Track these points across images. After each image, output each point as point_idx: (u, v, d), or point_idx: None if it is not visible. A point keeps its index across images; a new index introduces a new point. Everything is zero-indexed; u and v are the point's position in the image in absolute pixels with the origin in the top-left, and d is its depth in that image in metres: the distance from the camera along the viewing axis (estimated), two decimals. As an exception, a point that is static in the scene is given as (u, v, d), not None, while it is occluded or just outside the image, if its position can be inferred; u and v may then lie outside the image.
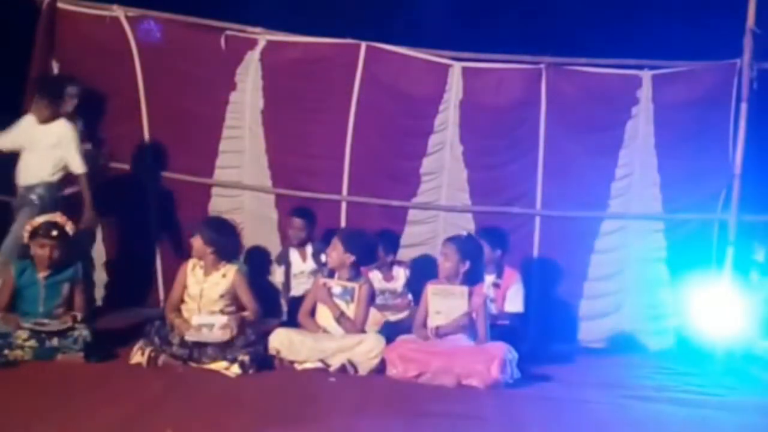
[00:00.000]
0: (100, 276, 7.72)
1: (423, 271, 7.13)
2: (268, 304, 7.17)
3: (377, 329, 6.47)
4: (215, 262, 6.15)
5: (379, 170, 7.67)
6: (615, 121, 7.49)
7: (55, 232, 6.03)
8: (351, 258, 6.24)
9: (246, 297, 6.14)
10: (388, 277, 7.19)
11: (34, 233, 6.04)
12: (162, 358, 5.76)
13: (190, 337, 5.84)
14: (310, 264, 7.26)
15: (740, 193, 6.90)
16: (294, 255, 7.32)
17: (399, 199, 7.66)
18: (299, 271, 7.28)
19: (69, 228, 6.13)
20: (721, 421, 5.30)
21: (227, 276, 6.14)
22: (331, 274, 6.40)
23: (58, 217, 6.16)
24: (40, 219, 6.14)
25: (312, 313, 6.28)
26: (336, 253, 6.25)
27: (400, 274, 7.23)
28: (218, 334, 5.86)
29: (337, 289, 6.26)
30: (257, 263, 7.58)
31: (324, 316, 6.24)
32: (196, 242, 6.17)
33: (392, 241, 7.31)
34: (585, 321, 7.58)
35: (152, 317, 6.36)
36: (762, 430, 5.27)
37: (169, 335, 5.86)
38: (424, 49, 7.57)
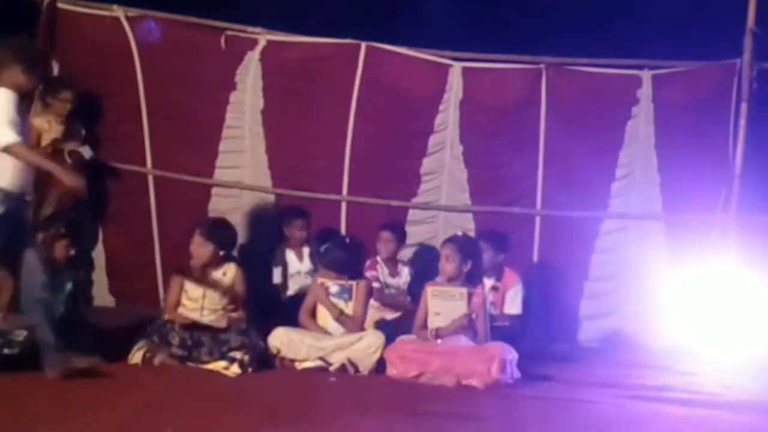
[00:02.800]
0: (100, 276, 7.73)
1: (423, 269, 7.19)
2: (266, 304, 7.19)
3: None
4: (217, 262, 6.15)
5: (379, 170, 7.67)
6: (615, 121, 7.50)
7: (75, 231, 6.08)
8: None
9: (240, 293, 6.14)
10: (394, 273, 7.19)
11: (61, 235, 6.03)
12: (158, 358, 5.75)
13: (184, 319, 5.87)
14: (307, 264, 7.26)
15: (740, 193, 6.90)
16: (290, 255, 7.32)
17: (399, 199, 7.67)
18: (296, 271, 7.28)
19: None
20: (721, 421, 5.30)
21: (228, 274, 6.15)
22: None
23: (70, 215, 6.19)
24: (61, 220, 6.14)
25: (312, 313, 6.29)
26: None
27: (404, 272, 7.23)
28: (212, 320, 5.93)
29: (334, 288, 6.26)
30: (257, 263, 7.60)
31: (324, 316, 6.24)
32: (200, 244, 6.10)
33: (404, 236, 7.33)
34: (585, 321, 7.59)
35: (152, 317, 6.36)
36: (762, 430, 5.27)
37: (169, 335, 5.84)
38: (424, 49, 7.58)
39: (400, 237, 7.26)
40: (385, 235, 7.15)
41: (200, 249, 6.10)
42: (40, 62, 5.40)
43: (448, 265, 6.10)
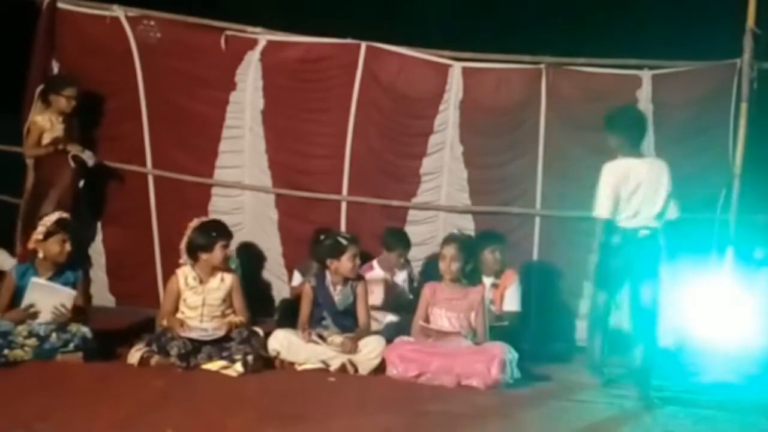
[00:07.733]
0: (100, 276, 7.73)
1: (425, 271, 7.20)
2: (262, 304, 7.20)
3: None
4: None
5: (379, 170, 7.67)
6: (615, 121, 7.48)
7: (68, 226, 6.02)
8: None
9: (239, 301, 6.14)
10: (392, 275, 7.18)
11: (51, 233, 6.00)
12: (155, 359, 5.74)
13: (185, 333, 5.84)
14: None
15: (740, 192, 6.90)
16: None
17: (399, 199, 7.66)
18: None
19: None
20: (721, 421, 5.30)
21: (225, 280, 6.14)
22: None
23: (60, 213, 6.18)
24: (53, 217, 6.13)
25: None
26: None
27: (402, 275, 7.22)
28: (213, 332, 5.89)
29: (336, 297, 6.25)
30: (256, 263, 7.61)
31: None
32: (222, 251, 6.13)
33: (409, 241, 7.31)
34: (584, 321, 7.56)
35: (152, 317, 6.36)
36: (762, 430, 5.27)
37: (167, 345, 5.79)
38: (424, 49, 7.58)
39: (408, 248, 7.26)
40: (399, 259, 7.14)
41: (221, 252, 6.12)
42: (644, 127, 6.17)
43: (454, 264, 6.10)
